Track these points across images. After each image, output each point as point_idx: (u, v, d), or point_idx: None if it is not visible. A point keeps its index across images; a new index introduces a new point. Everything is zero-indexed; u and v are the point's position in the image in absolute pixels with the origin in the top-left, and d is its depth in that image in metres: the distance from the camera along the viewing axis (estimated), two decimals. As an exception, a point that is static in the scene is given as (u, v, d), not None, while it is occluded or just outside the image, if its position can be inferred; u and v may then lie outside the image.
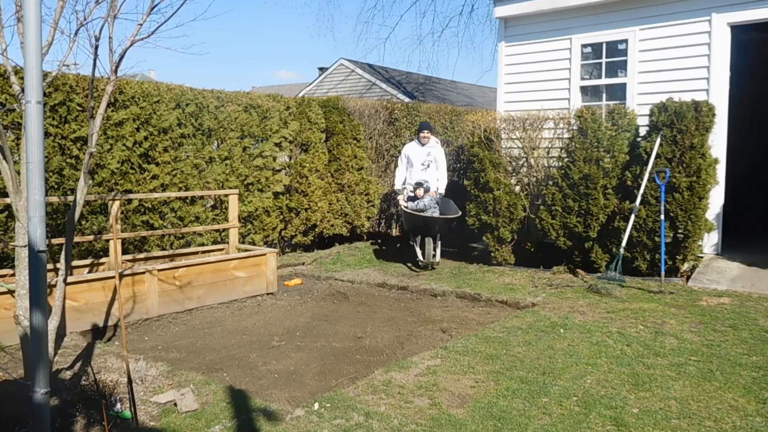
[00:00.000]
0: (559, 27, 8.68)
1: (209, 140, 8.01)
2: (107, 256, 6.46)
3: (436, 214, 8.30)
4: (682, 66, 7.71)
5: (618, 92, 8.27)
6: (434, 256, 8.25)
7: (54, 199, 5.73)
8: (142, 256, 6.80)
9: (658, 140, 6.92)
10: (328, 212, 9.57)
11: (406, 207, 8.47)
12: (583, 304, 6.12)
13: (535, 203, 8.08)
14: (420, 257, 8.20)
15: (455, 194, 11.06)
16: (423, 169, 8.96)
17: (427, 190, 8.54)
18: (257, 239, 8.58)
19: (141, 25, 3.65)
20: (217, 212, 8.07)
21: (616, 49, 8.26)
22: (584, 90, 8.61)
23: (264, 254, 7.02)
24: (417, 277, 7.68)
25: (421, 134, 9.00)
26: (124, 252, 6.74)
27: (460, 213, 8.23)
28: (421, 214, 8.24)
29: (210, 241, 7.86)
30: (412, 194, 8.78)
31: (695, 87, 7.58)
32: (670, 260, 6.93)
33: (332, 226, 9.65)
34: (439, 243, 8.40)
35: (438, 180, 8.98)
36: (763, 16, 7.22)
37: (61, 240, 5.11)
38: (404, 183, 9.10)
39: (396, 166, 9.57)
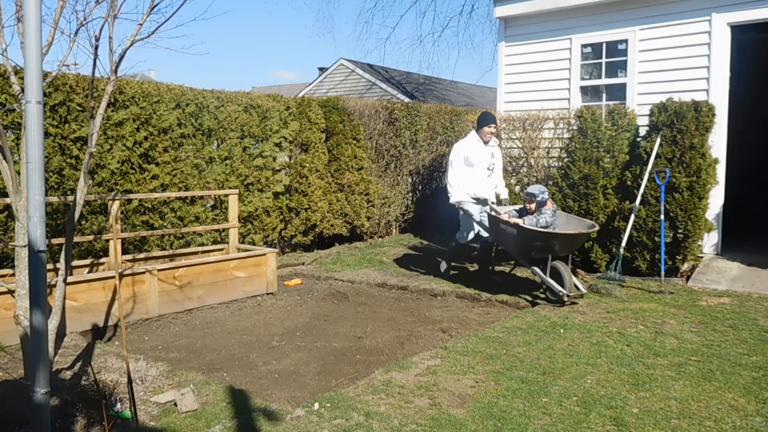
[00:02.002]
0: (559, 27, 8.68)
1: (209, 140, 8.01)
2: (107, 256, 6.46)
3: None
4: (682, 66, 7.72)
5: (618, 92, 8.27)
6: (574, 283, 6.32)
7: (54, 199, 5.73)
8: (142, 256, 6.81)
9: (658, 140, 6.92)
10: (328, 212, 9.57)
11: (523, 225, 6.27)
12: (583, 304, 6.12)
13: (535, 203, 8.07)
14: (561, 289, 6.06)
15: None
16: (488, 174, 7.12)
17: (543, 203, 6.45)
18: (257, 239, 8.59)
19: (141, 25, 3.65)
20: (217, 212, 8.07)
21: (616, 49, 8.27)
22: (584, 90, 8.62)
23: (264, 254, 7.02)
24: (417, 277, 7.68)
25: (487, 128, 6.97)
26: (124, 252, 6.74)
27: (596, 225, 6.44)
28: (569, 232, 6.31)
29: (210, 241, 7.86)
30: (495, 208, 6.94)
31: (695, 87, 7.59)
32: (670, 260, 6.93)
33: (332, 226, 9.65)
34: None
35: (497, 187, 7.30)
36: (763, 16, 7.22)
37: (61, 240, 5.11)
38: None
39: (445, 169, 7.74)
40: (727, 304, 5.87)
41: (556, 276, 6.21)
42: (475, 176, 7.03)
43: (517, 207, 6.98)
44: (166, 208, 7.49)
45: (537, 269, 6.34)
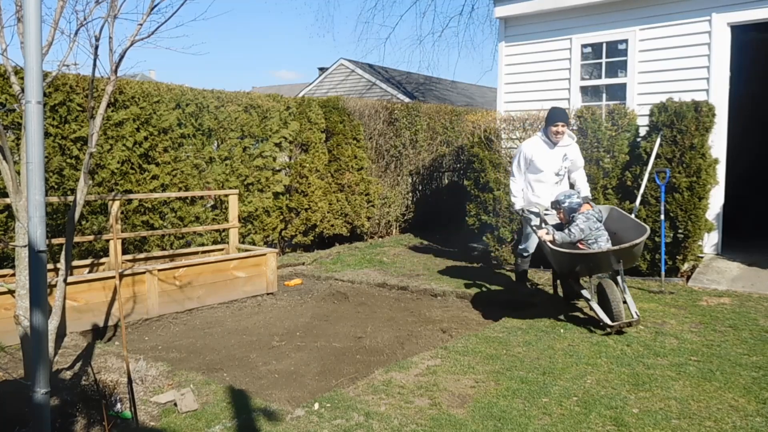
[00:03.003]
0: (559, 27, 8.68)
1: (209, 140, 8.01)
2: (107, 256, 6.46)
3: (606, 243, 5.34)
4: (682, 66, 7.71)
5: (618, 92, 8.27)
6: (626, 303, 5.24)
7: (54, 199, 5.74)
8: (142, 256, 6.81)
9: (658, 140, 6.91)
10: (328, 212, 9.57)
11: (554, 245, 5.29)
12: (583, 303, 6.11)
13: (535, 203, 8.07)
14: (604, 319, 5.04)
15: (455, 194, 11.06)
16: (557, 181, 6.11)
17: (573, 209, 5.46)
18: (257, 239, 8.59)
19: (141, 25, 3.65)
20: (217, 212, 8.07)
21: (616, 49, 8.26)
22: (584, 90, 8.61)
23: (264, 254, 7.02)
24: (417, 278, 7.68)
25: (552, 128, 5.98)
26: (124, 252, 6.74)
27: (648, 229, 5.18)
28: (596, 251, 5.16)
29: (210, 241, 7.86)
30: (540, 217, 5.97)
31: (695, 87, 7.58)
32: (670, 260, 6.92)
33: (332, 226, 9.65)
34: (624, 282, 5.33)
35: (575, 189, 6.22)
36: (763, 16, 7.22)
37: (62, 240, 5.11)
38: (525, 199, 6.22)
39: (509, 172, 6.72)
40: (728, 304, 5.87)
41: (604, 298, 5.18)
42: (540, 183, 6.09)
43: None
44: (166, 208, 7.49)
45: (584, 291, 5.35)
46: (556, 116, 6.02)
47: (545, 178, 6.09)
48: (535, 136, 6.31)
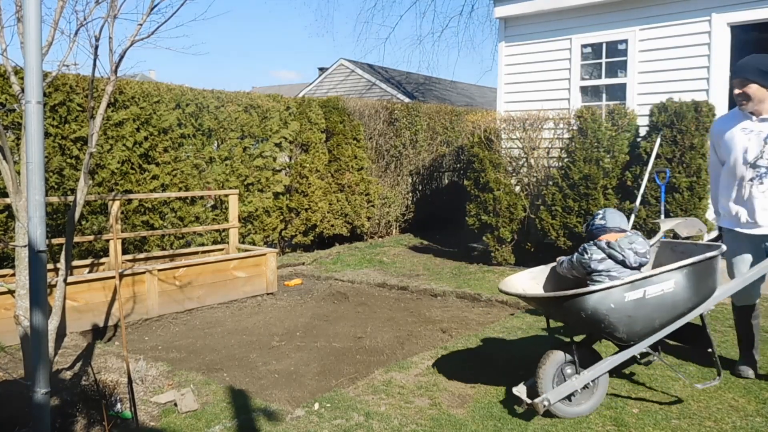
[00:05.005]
0: (559, 27, 8.68)
1: (209, 140, 8.02)
2: (107, 256, 6.46)
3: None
4: (682, 66, 7.72)
5: (618, 92, 8.27)
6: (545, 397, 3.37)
7: (54, 199, 5.74)
8: (142, 256, 6.81)
9: (658, 140, 6.92)
10: (328, 212, 9.57)
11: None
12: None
13: (535, 203, 8.08)
14: (521, 392, 3.54)
15: (456, 194, 11.06)
16: (755, 177, 3.70)
17: (591, 234, 3.81)
18: (257, 239, 8.59)
19: (141, 25, 3.65)
20: (217, 212, 8.07)
21: (616, 49, 8.26)
22: (584, 90, 8.61)
23: (264, 254, 7.02)
24: (417, 278, 7.68)
25: (736, 90, 3.75)
26: (124, 252, 6.74)
27: (591, 289, 3.32)
28: (521, 293, 3.74)
29: (210, 241, 7.86)
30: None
31: (695, 87, 7.58)
32: (670, 260, 6.92)
33: (332, 226, 9.66)
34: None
35: None
36: (763, 16, 7.22)
37: (61, 240, 5.11)
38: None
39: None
40: (727, 304, 5.86)
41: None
42: (727, 180, 3.87)
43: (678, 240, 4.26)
44: (167, 208, 7.49)
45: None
46: (740, 71, 3.76)
47: (734, 172, 3.77)
48: (731, 112, 4.00)
